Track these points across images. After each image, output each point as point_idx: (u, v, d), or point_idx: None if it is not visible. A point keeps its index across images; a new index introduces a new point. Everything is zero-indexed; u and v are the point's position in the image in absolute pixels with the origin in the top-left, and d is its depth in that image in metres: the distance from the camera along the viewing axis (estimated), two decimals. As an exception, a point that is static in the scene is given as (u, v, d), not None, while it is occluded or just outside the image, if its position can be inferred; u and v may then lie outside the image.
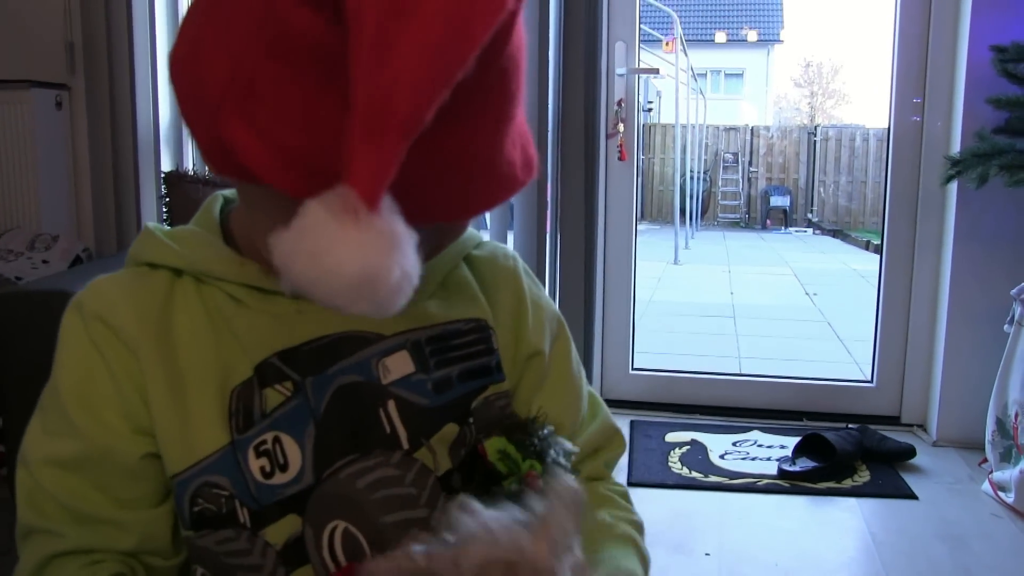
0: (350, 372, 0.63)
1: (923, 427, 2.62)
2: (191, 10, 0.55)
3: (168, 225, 2.14)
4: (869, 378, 2.78)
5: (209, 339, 0.62)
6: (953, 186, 2.41)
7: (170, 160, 2.80)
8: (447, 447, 0.65)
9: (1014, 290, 2.16)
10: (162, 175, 2.41)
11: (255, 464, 0.60)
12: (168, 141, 2.81)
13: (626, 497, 0.75)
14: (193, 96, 0.53)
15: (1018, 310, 2.16)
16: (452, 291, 0.69)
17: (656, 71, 5.54)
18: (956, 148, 2.40)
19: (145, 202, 2.77)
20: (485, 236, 0.76)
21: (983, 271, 2.42)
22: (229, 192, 0.70)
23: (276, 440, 0.61)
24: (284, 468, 0.61)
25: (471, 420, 0.66)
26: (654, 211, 13.71)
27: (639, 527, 0.72)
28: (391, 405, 0.63)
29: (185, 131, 2.78)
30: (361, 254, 0.43)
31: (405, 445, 0.63)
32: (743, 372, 3.67)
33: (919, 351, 2.62)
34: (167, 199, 2.34)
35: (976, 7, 2.37)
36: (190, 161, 2.84)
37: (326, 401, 0.62)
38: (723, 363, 4.03)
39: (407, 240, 0.45)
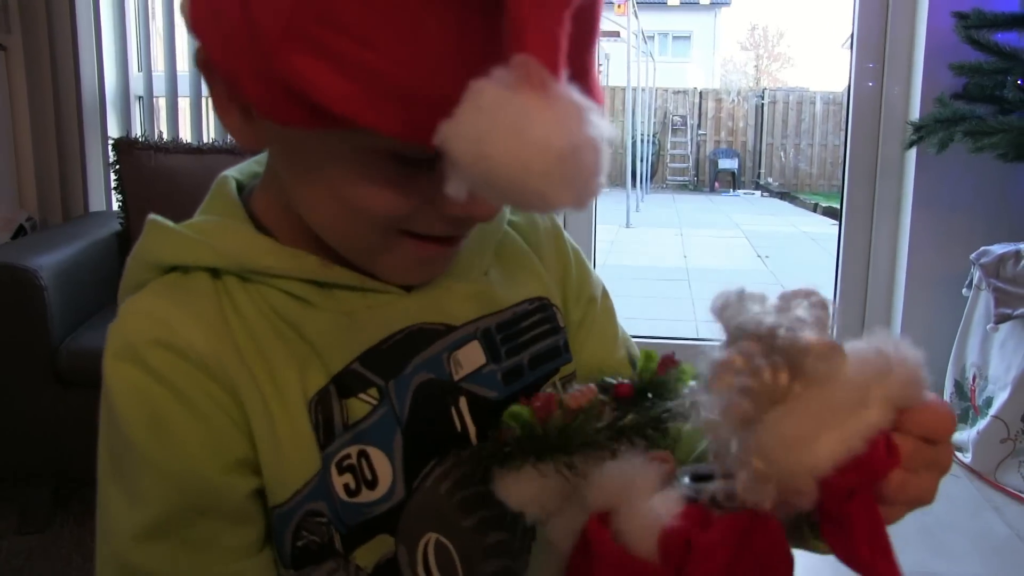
0: (424, 369, 0.57)
1: (881, 389, 2.67)
2: None
3: (119, 195, 2.06)
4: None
5: (277, 347, 0.54)
6: (912, 151, 2.44)
7: (118, 126, 2.69)
8: None
9: (973, 254, 2.20)
10: (110, 141, 2.31)
11: (338, 482, 0.54)
12: (115, 106, 2.70)
13: None
14: (235, 35, 0.45)
15: (976, 274, 2.20)
16: (508, 261, 0.65)
17: (617, 33, 5.50)
18: (915, 114, 2.42)
19: (92, 169, 2.67)
20: None
21: (941, 236, 2.46)
22: (236, 172, 0.62)
23: (362, 454, 0.54)
24: (372, 484, 0.54)
25: None
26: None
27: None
28: (462, 402, 0.58)
29: (133, 95, 2.67)
30: (563, 125, 0.38)
31: (474, 441, 0.58)
32: (700, 336, 3.70)
33: (878, 314, 2.65)
34: (116, 166, 2.25)
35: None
36: (139, 127, 2.74)
37: (408, 405, 0.56)
38: (679, 327, 4.07)
39: (594, 110, 0.40)
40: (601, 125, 0.40)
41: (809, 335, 0.41)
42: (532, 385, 0.62)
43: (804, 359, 0.40)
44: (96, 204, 2.69)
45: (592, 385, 0.52)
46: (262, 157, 0.62)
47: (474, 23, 0.42)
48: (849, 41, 2.65)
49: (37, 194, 2.64)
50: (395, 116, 0.42)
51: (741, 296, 0.45)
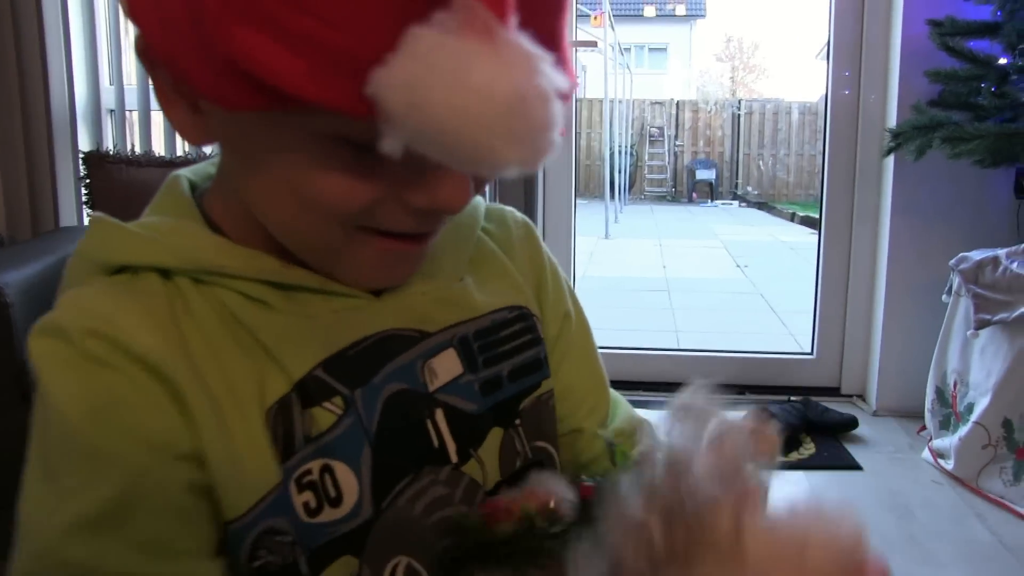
0: (396, 379, 0.53)
1: (863, 397, 2.67)
2: None
3: (91, 210, 2.00)
4: (809, 350, 2.81)
5: (231, 352, 0.49)
6: (890, 159, 2.44)
7: (88, 140, 2.65)
8: (496, 456, 0.57)
9: (952, 260, 2.20)
10: (80, 155, 2.26)
11: (298, 500, 0.49)
12: (85, 119, 2.65)
13: None
14: (175, 14, 0.42)
15: (955, 281, 2.20)
16: (483, 268, 0.62)
17: (594, 43, 5.52)
18: (892, 121, 2.43)
19: (62, 184, 2.62)
20: None
21: (920, 243, 2.46)
22: (189, 172, 0.58)
23: (325, 469, 0.49)
24: (336, 502, 0.50)
25: (518, 422, 0.58)
26: (582, 186, 13.78)
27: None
28: (439, 415, 0.54)
29: (104, 109, 2.63)
30: (509, 72, 0.35)
31: (454, 458, 0.54)
32: (681, 347, 3.69)
33: (858, 322, 2.66)
34: (87, 180, 2.21)
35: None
36: (110, 141, 2.69)
37: (377, 416, 0.51)
38: (660, 338, 4.06)
39: (546, 60, 0.37)
40: (553, 76, 0.37)
41: (727, 499, 0.39)
42: (512, 398, 0.58)
43: (713, 525, 0.39)
44: (67, 219, 2.64)
45: (545, 489, 0.50)
46: (217, 159, 0.58)
47: None
48: (824, 51, 2.66)
49: (6, 210, 2.59)
50: (343, 90, 0.39)
51: (697, 410, 0.43)
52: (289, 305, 0.51)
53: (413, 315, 0.55)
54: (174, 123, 0.49)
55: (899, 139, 2.23)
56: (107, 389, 0.46)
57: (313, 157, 0.44)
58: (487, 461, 0.56)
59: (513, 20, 0.36)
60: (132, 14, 0.45)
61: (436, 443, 0.54)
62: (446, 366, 0.55)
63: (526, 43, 0.36)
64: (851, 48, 2.57)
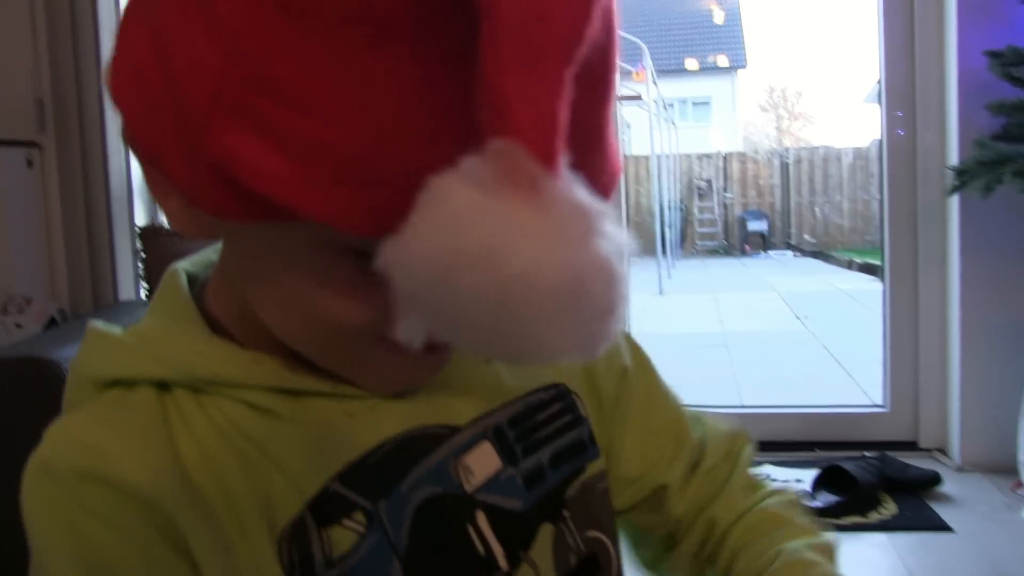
0: (426, 483, 0.47)
1: (944, 451, 2.53)
2: (134, 5, 0.40)
3: (147, 284, 1.97)
4: (881, 402, 2.69)
5: (235, 473, 0.44)
6: (954, 198, 2.36)
7: (145, 214, 2.71)
8: (550, 555, 0.51)
9: (1030, 301, 2.10)
10: (137, 230, 2.30)
11: None
12: (142, 194, 2.72)
13: (796, 504, 0.60)
14: (157, 104, 0.37)
15: (1036, 322, 2.09)
16: None
17: (638, 97, 5.53)
18: (953, 159, 2.35)
19: (120, 259, 2.68)
20: None
21: (995, 282, 2.35)
22: (189, 264, 0.52)
23: None
24: None
25: (566, 514, 0.52)
26: (633, 242, 13.73)
27: (830, 550, 0.55)
28: (480, 518, 0.48)
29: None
30: (561, 245, 0.27)
31: (504, 566, 0.48)
32: (744, 403, 3.58)
33: (932, 370, 2.53)
34: (143, 255, 2.24)
35: (961, 16, 2.33)
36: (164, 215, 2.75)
37: (407, 529, 0.45)
38: (721, 394, 3.94)
39: (606, 215, 0.30)
40: (616, 237, 0.30)
41: None
42: (556, 488, 0.52)
43: None
44: (125, 293, 2.69)
45: None
46: (219, 245, 0.53)
47: (438, 76, 0.33)
48: (873, 93, 2.61)
49: (68, 285, 2.65)
50: (346, 202, 0.33)
51: None
52: (298, 412, 0.46)
53: (438, 409, 0.49)
54: (168, 217, 0.44)
55: (964, 176, 2.15)
56: (100, 550, 0.42)
57: (316, 271, 0.40)
58: (541, 563, 0.50)
59: (563, 161, 0.29)
60: (115, 97, 0.40)
61: (482, 550, 0.48)
62: (482, 462, 0.49)
63: (580, 195, 0.29)
64: (904, 88, 2.51)
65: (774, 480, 0.61)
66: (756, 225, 13.95)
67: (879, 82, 2.58)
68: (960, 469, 2.42)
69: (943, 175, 2.36)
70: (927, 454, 2.53)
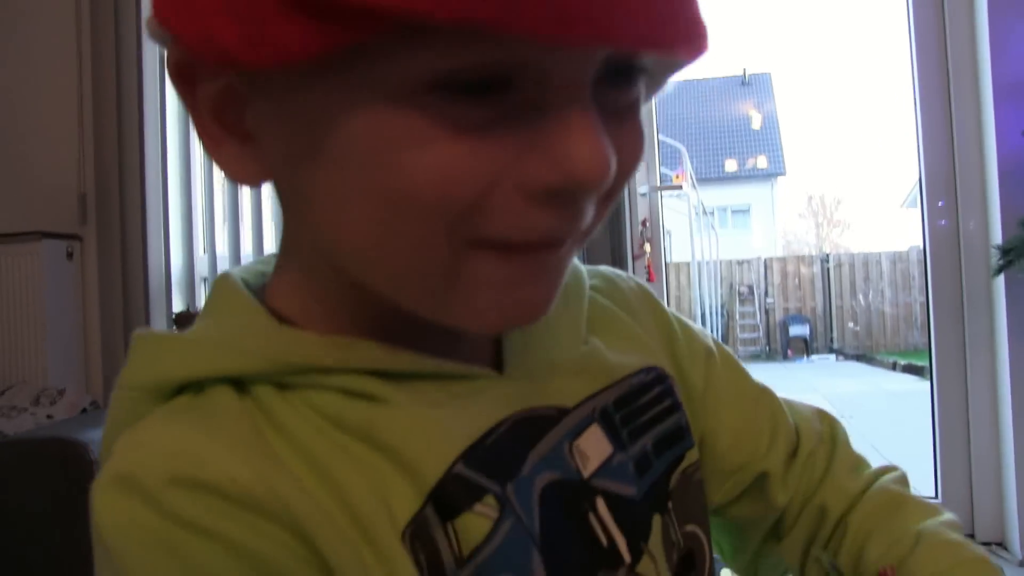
0: (546, 468, 0.42)
1: (1003, 545, 2.38)
2: None
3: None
4: (933, 495, 2.56)
5: (341, 468, 0.38)
6: (1000, 282, 2.30)
7: (181, 301, 2.74)
8: (662, 549, 0.46)
9: (1086, 384, 2.00)
10: (172, 315, 2.32)
11: None
12: (180, 283, 2.75)
13: (906, 480, 0.57)
14: None
15: (1094, 405, 1.99)
16: (604, 328, 0.52)
17: (679, 187, 5.56)
18: (997, 241, 2.30)
19: (155, 348, 2.68)
20: None
21: (1047, 367, 2.26)
22: (239, 271, 0.47)
23: None
24: None
25: (670, 505, 0.48)
26: (673, 347, 13.63)
27: (962, 528, 0.53)
28: (600, 506, 0.43)
29: (198, 276, 2.72)
30: None
31: (627, 557, 0.44)
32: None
33: (985, 460, 2.41)
34: (177, 341, 2.25)
35: (997, 98, 2.33)
36: (201, 298, 2.77)
37: (537, 514, 0.41)
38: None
39: None
40: None
41: None
42: (661, 477, 0.48)
43: None
44: (159, 383, 2.69)
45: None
46: (269, 257, 0.49)
47: None
48: (912, 196, 2.59)
49: (103, 377, 2.66)
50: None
51: None
52: (402, 395, 0.40)
53: (546, 389, 0.45)
54: (222, 164, 0.40)
55: (1010, 255, 2.10)
56: (198, 554, 0.35)
57: (400, 124, 0.34)
58: (657, 557, 0.46)
59: None
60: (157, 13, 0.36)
61: (605, 541, 0.43)
62: (595, 446, 0.45)
63: None
64: (945, 175, 2.49)
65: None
66: (798, 329, 13.78)
67: (919, 172, 2.57)
68: (1022, 564, 2.27)
69: (987, 260, 2.31)
70: (986, 548, 2.38)
